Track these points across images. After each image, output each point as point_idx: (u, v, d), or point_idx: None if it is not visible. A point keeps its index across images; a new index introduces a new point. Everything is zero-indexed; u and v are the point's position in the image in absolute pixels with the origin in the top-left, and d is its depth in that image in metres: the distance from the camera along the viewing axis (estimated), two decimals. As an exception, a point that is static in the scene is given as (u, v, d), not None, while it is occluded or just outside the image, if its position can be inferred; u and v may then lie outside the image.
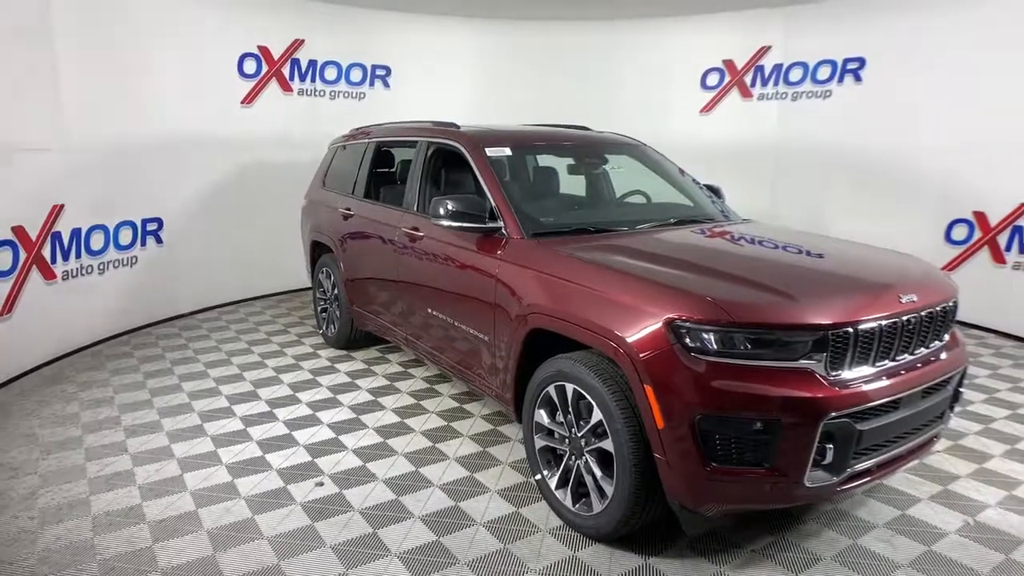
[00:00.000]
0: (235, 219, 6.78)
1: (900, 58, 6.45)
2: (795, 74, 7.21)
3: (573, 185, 4.48)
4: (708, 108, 7.82)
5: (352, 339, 5.32)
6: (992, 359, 5.38)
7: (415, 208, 4.24)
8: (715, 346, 2.49)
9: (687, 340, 2.51)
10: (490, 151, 3.82)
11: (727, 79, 7.67)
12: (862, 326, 2.55)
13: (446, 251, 3.83)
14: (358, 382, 4.81)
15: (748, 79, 7.54)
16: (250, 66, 6.68)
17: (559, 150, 4.43)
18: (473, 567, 2.79)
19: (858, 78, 6.78)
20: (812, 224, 7.03)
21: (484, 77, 8.07)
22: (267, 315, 6.59)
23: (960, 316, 6.21)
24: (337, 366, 5.13)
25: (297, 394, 4.60)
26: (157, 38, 5.83)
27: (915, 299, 2.73)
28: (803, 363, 2.49)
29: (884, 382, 2.61)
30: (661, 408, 2.53)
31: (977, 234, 6.07)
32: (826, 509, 3.21)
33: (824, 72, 7.01)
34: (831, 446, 2.49)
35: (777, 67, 7.33)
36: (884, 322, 2.61)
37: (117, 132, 5.54)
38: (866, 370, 2.60)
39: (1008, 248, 5.85)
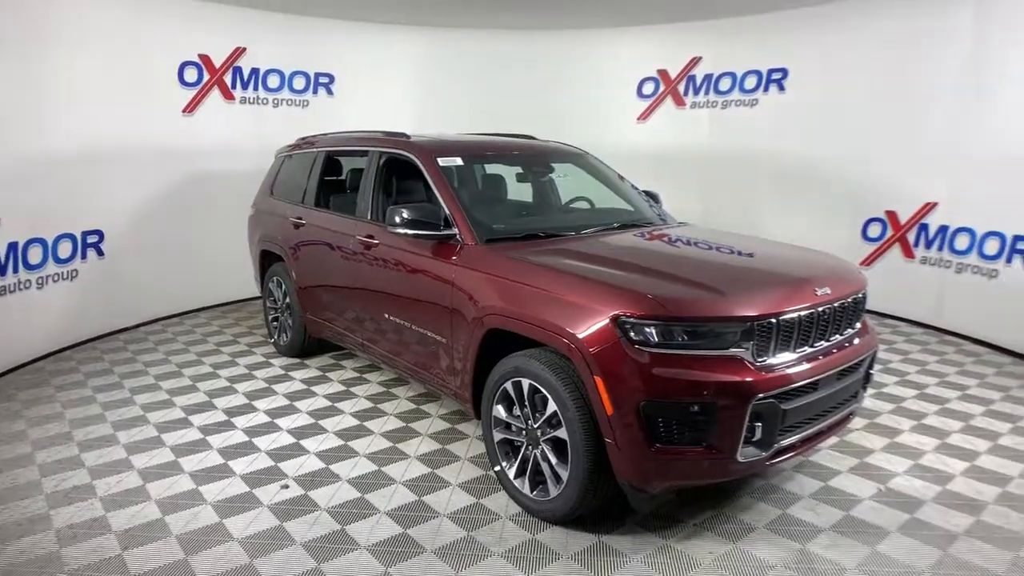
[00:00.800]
0: (179, 229, 6.73)
1: (819, 69, 6.96)
2: (724, 84, 7.66)
3: (521, 193, 4.72)
4: (644, 116, 8.20)
5: (305, 347, 5.40)
6: (904, 345, 5.89)
7: (369, 216, 4.39)
8: (656, 339, 2.75)
9: (631, 334, 2.77)
10: (442, 161, 4.01)
11: (662, 88, 8.07)
12: (784, 317, 2.86)
13: (402, 258, 4.00)
14: (314, 388, 4.91)
15: (681, 88, 7.95)
16: (191, 75, 6.66)
17: (507, 159, 4.65)
18: (440, 554, 2.97)
19: (781, 88, 7.26)
20: (742, 225, 7.45)
21: (428, 85, 8.23)
22: (214, 326, 6.58)
23: (876, 306, 6.82)
24: (291, 374, 5.21)
25: (254, 402, 4.67)
26: (95, 45, 5.78)
27: (829, 292, 3.06)
28: (733, 351, 2.78)
29: (804, 366, 2.93)
30: (610, 396, 2.77)
31: (889, 231, 6.61)
32: (759, 484, 3.53)
33: (751, 82, 7.47)
34: (759, 424, 2.78)
35: (708, 77, 7.76)
36: (803, 313, 2.94)
37: (53, 144, 5.46)
38: (788, 356, 2.92)
39: (916, 244, 6.39)
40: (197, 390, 4.90)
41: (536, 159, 4.71)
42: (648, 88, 8.14)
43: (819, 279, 3.12)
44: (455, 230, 3.67)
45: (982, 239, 5.79)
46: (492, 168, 4.57)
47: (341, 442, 4.07)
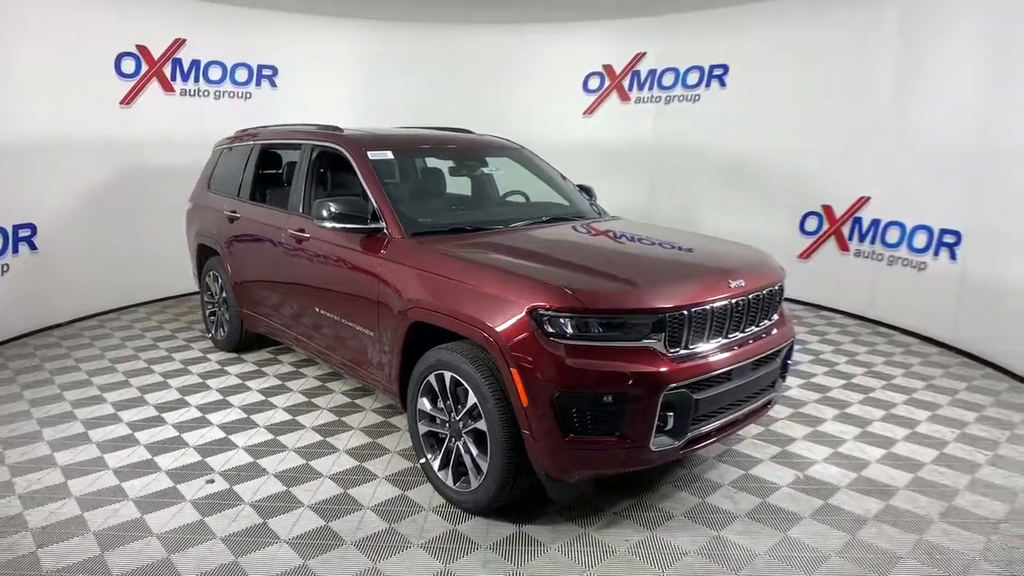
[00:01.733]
0: (117, 223, 6.60)
1: (758, 65, 7.09)
2: (667, 79, 7.76)
3: (456, 186, 4.72)
4: (590, 111, 8.26)
5: (242, 341, 5.34)
6: (836, 336, 6.05)
7: (300, 210, 4.36)
8: (571, 330, 2.79)
9: (547, 326, 2.80)
10: (372, 154, 3.99)
11: (607, 83, 8.14)
12: (696, 308, 2.93)
13: (331, 252, 3.98)
14: (248, 383, 4.86)
15: (626, 83, 8.03)
16: (128, 65, 6.51)
17: (441, 153, 4.66)
18: (359, 546, 2.98)
19: (723, 83, 7.38)
20: (686, 220, 7.60)
21: (373, 79, 8.18)
22: (153, 321, 6.46)
23: (812, 298, 6.99)
24: (227, 368, 5.15)
25: (186, 397, 4.61)
26: (28, 35, 5.63)
27: (743, 284, 3.13)
28: (645, 342, 2.84)
29: (717, 357, 3.01)
30: (525, 388, 2.81)
31: (825, 225, 6.78)
32: (681, 473, 3.61)
33: (693, 77, 7.58)
34: (671, 414, 2.84)
35: (652, 72, 7.85)
36: (716, 304, 3.00)
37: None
38: (701, 346, 2.98)
39: (851, 237, 6.57)
40: (130, 385, 4.81)
41: (471, 153, 4.73)
42: (594, 83, 8.20)
43: (734, 271, 3.20)
44: (382, 223, 3.67)
45: (911, 232, 5.97)
46: (424, 162, 4.56)
47: (271, 436, 4.04)
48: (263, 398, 4.60)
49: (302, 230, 4.23)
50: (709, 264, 3.34)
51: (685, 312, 2.89)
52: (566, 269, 3.10)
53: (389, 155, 4.06)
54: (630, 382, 2.76)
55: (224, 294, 5.32)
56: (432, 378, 3.28)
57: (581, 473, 2.94)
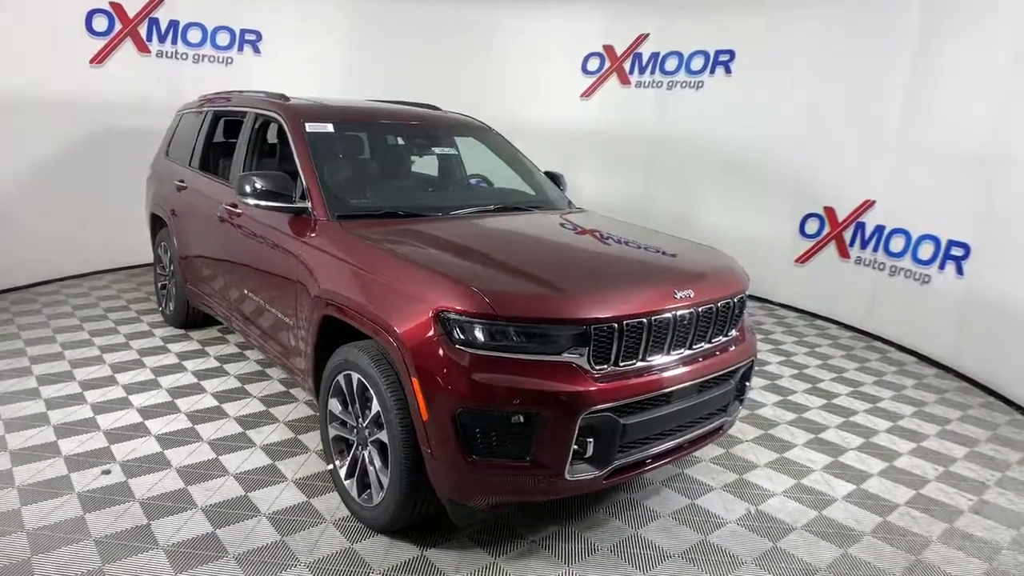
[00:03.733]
0: (83, 187, 6.34)
1: (765, 53, 6.60)
2: (671, 63, 7.28)
3: (411, 168, 4.35)
4: (589, 93, 7.82)
5: (189, 318, 5.07)
6: (827, 349, 5.62)
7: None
8: (479, 338, 2.44)
9: (453, 332, 2.46)
10: (310, 126, 3.65)
11: (607, 65, 7.68)
12: (628, 321, 2.55)
13: (260, 230, 3.66)
14: (186, 363, 4.59)
15: (627, 66, 7.56)
16: (100, 23, 6.21)
17: (396, 130, 4.30)
18: (240, 560, 2.68)
19: (728, 70, 6.90)
20: (680, 214, 7.18)
21: (361, 50, 7.77)
22: (113, 289, 6.22)
23: (807, 307, 6.54)
24: (169, 346, 4.88)
25: (116, 375, 4.34)
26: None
27: (691, 294, 2.75)
28: (565, 357, 2.48)
29: (652, 376, 2.63)
30: (426, 401, 2.47)
31: (827, 228, 6.31)
32: (618, 499, 3.25)
33: (697, 63, 7.10)
34: (591, 440, 2.49)
35: (654, 55, 7.38)
36: (655, 317, 2.63)
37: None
38: (635, 364, 2.62)
39: (852, 243, 6.11)
40: (63, 358, 4.56)
41: (430, 131, 4.35)
42: (593, 64, 7.75)
43: (681, 280, 2.82)
44: (309, 203, 3.33)
45: (917, 242, 5.50)
46: (375, 139, 4.19)
47: (189, 425, 3.76)
48: (196, 380, 4.32)
49: (235, 205, 3.91)
50: (654, 270, 2.96)
51: (615, 325, 2.53)
52: (487, 267, 2.74)
53: (329, 128, 3.71)
54: (543, 402, 2.40)
55: (172, 267, 5.04)
56: (341, 378, 2.95)
57: (486, 499, 2.60)
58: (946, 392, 4.85)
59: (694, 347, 2.84)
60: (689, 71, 7.12)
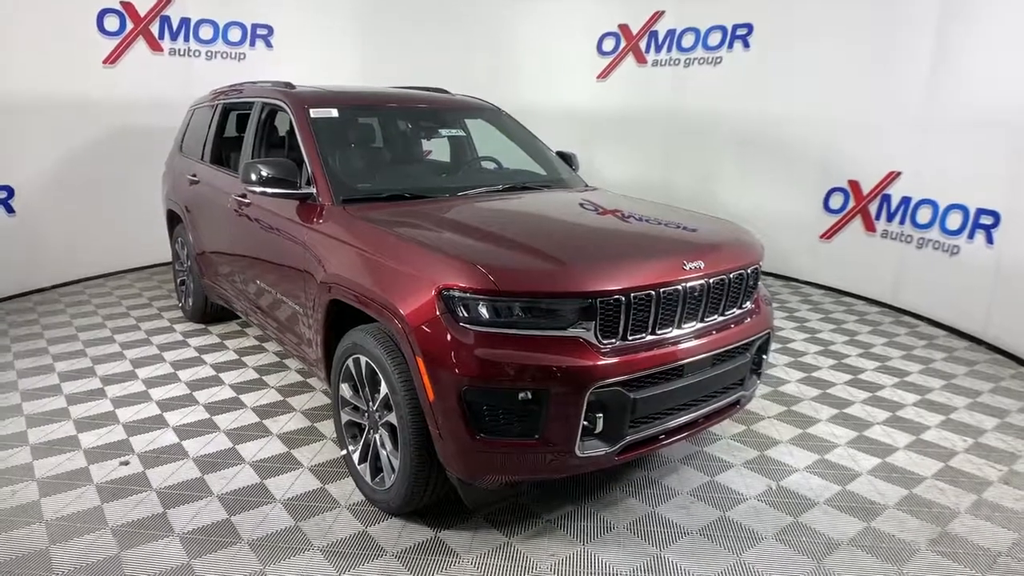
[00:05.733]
0: (103, 187, 6.43)
1: (785, 25, 6.43)
2: (687, 40, 7.14)
3: (421, 150, 4.33)
4: (605, 74, 7.71)
5: (208, 312, 5.10)
6: (853, 325, 5.48)
7: (246, 174, 4.03)
8: (484, 315, 2.40)
9: (457, 310, 2.42)
10: (314, 112, 3.63)
11: (623, 44, 7.56)
12: (637, 294, 2.49)
13: (268, 219, 3.66)
14: (205, 357, 4.62)
15: (643, 45, 7.44)
16: (112, 23, 6.27)
17: (403, 113, 4.25)
18: (254, 546, 2.68)
19: (747, 45, 6.74)
20: (701, 193, 7.06)
21: (374, 37, 7.76)
22: (135, 288, 6.30)
23: (833, 283, 6.39)
24: (189, 340, 4.92)
25: (136, 370, 4.39)
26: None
27: (701, 266, 2.68)
28: (572, 332, 2.43)
29: (663, 350, 2.57)
30: (431, 380, 2.44)
31: (851, 202, 6.15)
32: (634, 477, 3.19)
33: (715, 38, 6.95)
34: (601, 415, 2.43)
35: (670, 32, 7.24)
36: (664, 289, 2.56)
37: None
38: (644, 338, 2.55)
39: (878, 216, 5.94)
40: (84, 355, 4.63)
41: (438, 114, 4.31)
42: (609, 44, 7.62)
43: (690, 252, 2.74)
44: (314, 189, 3.31)
45: (945, 212, 5.33)
46: (381, 123, 4.16)
47: (206, 416, 3.78)
48: (213, 373, 4.35)
49: (244, 196, 3.91)
50: (662, 242, 2.88)
51: (621, 297, 2.46)
52: (490, 244, 2.69)
53: (334, 113, 3.68)
54: (550, 378, 2.35)
55: (189, 262, 5.08)
56: (350, 362, 2.94)
57: (496, 478, 2.56)
58: (977, 364, 4.69)
59: (706, 319, 2.77)
60: (706, 47, 6.97)
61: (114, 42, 6.31)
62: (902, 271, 5.75)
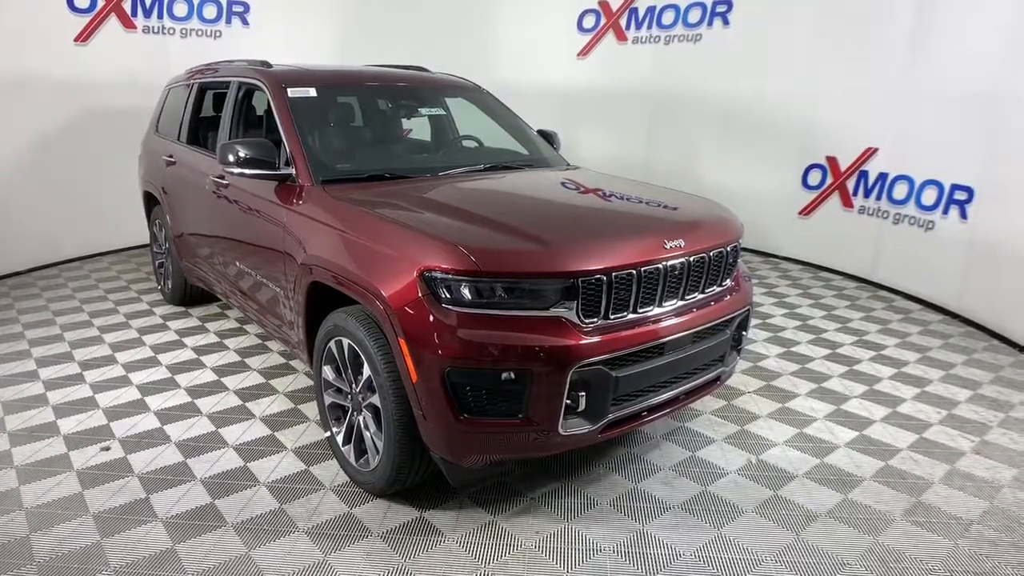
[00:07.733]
0: (79, 168, 6.30)
1: (764, 2, 6.42)
2: (667, 17, 7.11)
3: (398, 130, 4.29)
4: (585, 52, 7.66)
5: (188, 294, 5.05)
6: (830, 300, 5.55)
7: (223, 155, 3.97)
8: (467, 296, 2.40)
9: (439, 291, 2.42)
10: (292, 91, 3.58)
11: (603, 21, 7.51)
12: (618, 273, 2.50)
13: (248, 201, 3.61)
14: (185, 340, 4.58)
15: (623, 22, 7.39)
16: (82, 0, 6.11)
17: (382, 92, 4.20)
18: (238, 529, 2.68)
19: (726, 21, 6.73)
20: (682, 171, 7.07)
21: (353, 16, 7.63)
22: (113, 271, 6.21)
23: (811, 259, 6.45)
24: (169, 324, 4.88)
25: (116, 354, 4.35)
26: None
27: (682, 244, 2.69)
28: (554, 311, 2.44)
29: (644, 328, 2.59)
30: (414, 361, 2.44)
31: (829, 179, 6.20)
32: (617, 453, 3.23)
33: (695, 15, 6.92)
34: (584, 394, 2.46)
35: (650, 10, 7.20)
36: (644, 268, 2.57)
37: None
38: (625, 316, 2.57)
39: (855, 192, 6.00)
40: (62, 340, 4.57)
41: (417, 93, 4.26)
42: (589, 21, 7.57)
43: (671, 230, 2.75)
44: (293, 170, 3.27)
45: (920, 188, 5.39)
46: (360, 102, 4.10)
47: (188, 399, 3.76)
48: (195, 356, 4.32)
49: (222, 177, 3.86)
50: (643, 221, 2.89)
51: (603, 277, 2.47)
52: (471, 224, 2.68)
53: (312, 92, 3.63)
54: (532, 358, 2.37)
55: (168, 244, 5.01)
56: (332, 345, 2.93)
57: (480, 458, 2.58)
58: (951, 337, 4.78)
59: (687, 297, 2.79)
60: (686, 24, 6.95)
61: (85, 19, 6.15)
62: (879, 246, 5.83)
